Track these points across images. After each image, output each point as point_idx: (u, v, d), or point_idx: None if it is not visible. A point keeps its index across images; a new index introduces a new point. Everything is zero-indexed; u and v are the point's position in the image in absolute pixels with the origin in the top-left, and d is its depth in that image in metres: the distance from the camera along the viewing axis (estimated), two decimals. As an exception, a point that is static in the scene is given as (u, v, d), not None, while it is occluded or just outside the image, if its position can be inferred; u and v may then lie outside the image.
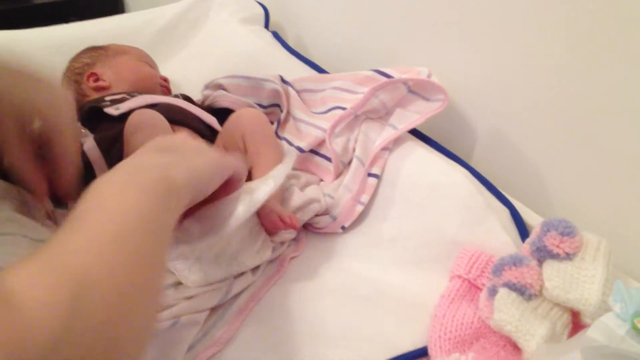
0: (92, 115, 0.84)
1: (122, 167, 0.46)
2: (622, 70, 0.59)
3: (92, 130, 0.81)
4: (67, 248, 0.37)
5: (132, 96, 0.87)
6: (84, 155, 0.75)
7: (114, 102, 0.85)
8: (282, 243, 0.75)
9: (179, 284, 0.67)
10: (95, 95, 0.94)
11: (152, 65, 1.04)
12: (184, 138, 0.56)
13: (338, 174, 0.82)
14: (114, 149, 0.76)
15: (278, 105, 0.91)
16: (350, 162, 0.81)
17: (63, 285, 0.33)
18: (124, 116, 0.78)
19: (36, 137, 0.58)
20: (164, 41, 1.23)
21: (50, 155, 0.60)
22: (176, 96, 0.93)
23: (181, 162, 0.49)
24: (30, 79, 0.58)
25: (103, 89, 0.95)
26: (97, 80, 0.96)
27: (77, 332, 0.32)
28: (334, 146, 0.80)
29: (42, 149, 0.59)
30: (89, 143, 0.76)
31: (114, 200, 0.42)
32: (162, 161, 0.48)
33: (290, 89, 0.90)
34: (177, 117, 0.82)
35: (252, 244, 0.70)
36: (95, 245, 0.37)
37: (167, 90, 1.03)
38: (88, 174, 0.73)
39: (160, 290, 0.46)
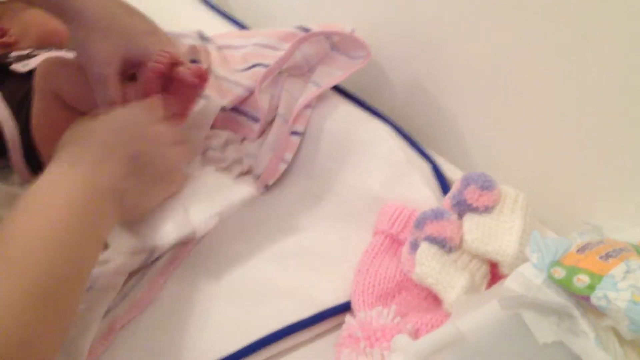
0: None
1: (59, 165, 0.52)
2: (540, 20, 0.59)
3: None
4: None
5: (40, 52, 0.82)
6: None
7: (20, 58, 0.80)
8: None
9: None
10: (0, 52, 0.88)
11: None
12: (160, 141, 0.59)
13: (262, 132, 0.81)
14: (23, 108, 0.71)
15: (197, 61, 0.88)
16: (272, 120, 0.79)
17: None
18: (32, 73, 0.73)
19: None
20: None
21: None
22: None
23: (135, 194, 0.55)
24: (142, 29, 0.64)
25: (9, 44, 0.89)
26: (2, 35, 0.90)
27: None
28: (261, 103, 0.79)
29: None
30: None
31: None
32: (121, 186, 0.53)
33: (210, 45, 0.87)
34: None
35: None
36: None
37: None
38: None
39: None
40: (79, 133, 0.56)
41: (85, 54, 0.59)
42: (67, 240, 0.47)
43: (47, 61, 0.67)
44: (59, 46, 0.90)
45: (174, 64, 0.62)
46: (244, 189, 0.68)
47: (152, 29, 0.66)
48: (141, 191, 0.55)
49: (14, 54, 0.82)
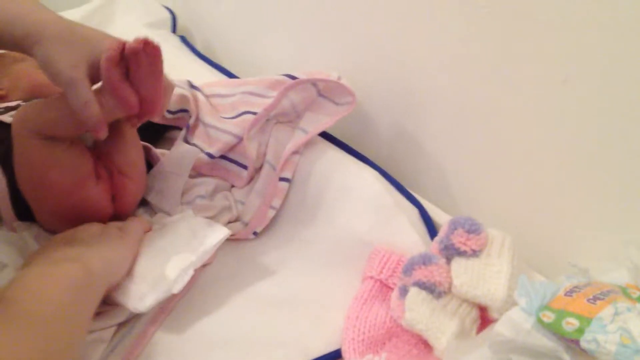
0: None
1: (37, 261, 0.55)
2: (522, 65, 0.61)
3: None
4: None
5: None
6: None
7: (9, 109, 0.80)
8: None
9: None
10: None
11: None
12: (86, 229, 0.62)
13: (250, 179, 0.81)
14: (9, 158, 0.71)
15: (186, 111, 0.88)
16: (261, 167, 0.80)
17: None
18: None
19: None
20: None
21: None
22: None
23: (94, 253, 0.56)
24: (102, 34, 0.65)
25: None
26: None
27: None
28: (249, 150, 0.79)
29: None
30: None
31: (35, 294, 0.48)
32: (76, 252, 0.55)
33: (199, 94, 0.88)
34: None
35: None
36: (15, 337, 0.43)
37: None
38: None
39: None
40: None
41: (52, 66, 0.59)
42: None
43: (22, 107, 0.68)
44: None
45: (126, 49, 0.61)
46: (218, 233, 0.67)
47: (113, 37, 0.66)
48: (93, 247, 0.59)
49: (2, 105, 0.82)
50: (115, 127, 0.69)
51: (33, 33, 0.60)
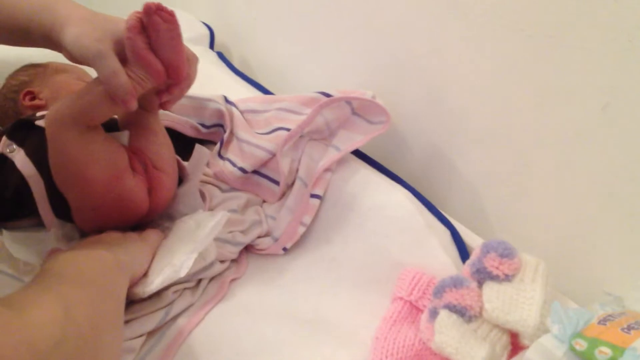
0: (21, 127, 0.80)
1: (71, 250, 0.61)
2: (561, 91, 0.60)
3: (20, 145, 0.77)
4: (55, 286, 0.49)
5: None
6: (17, 171, 0.71)
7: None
8: (223, 262, 0.73)
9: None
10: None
11: None
12: (109, 234, 0.66)
13: (282, 195, 0.81)
14: (46, 160, 0.73)
15: (221, 126, 0.90)
16: (293, 183, 0.80)
17: (56, 302, 0.45)
18: None
19: None
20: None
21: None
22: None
23: (120, 248, 0.62)
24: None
25: (39, 107, 0.91)
26: (33, 98, 0.92)
27: (70, 335, 0.43)
28: (282, 166, 0.80)
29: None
30: (20, 157, 0.73)
31: (76, 267, 0.55)
32: (105, 247, 0.61)
33: (234, 109, 0.89)
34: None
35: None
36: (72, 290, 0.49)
37: None
38: (24, 191, 0.69)
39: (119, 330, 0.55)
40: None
41: (80, 42, 0.63)
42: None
43: (53, 105, 0.69)
44: None
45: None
46: (217, 217, 0.68)
47: None
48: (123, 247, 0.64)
49: (40, 114, 0.84)
50: (146, 123, 0.72)
51: (60, 19, 0.65)
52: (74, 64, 1.03)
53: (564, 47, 0.58)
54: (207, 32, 1.22)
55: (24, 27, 0.68)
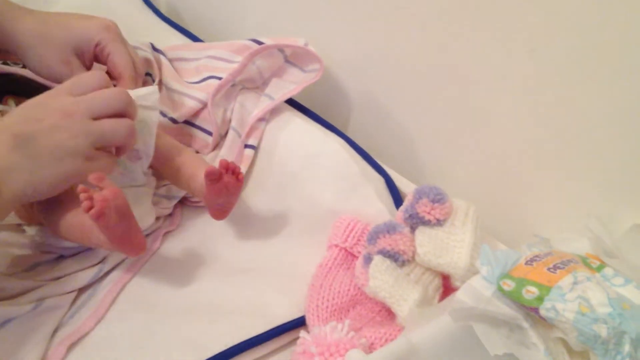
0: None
1: None
2: (489, 35, 0.60)
3: None
4: None
5: None
6: None
7: None
8: (157, 218, 0.71)
9: (45, 263, 0.63)
10: None
11: None
12: (54, 125, 0.56)
13: (215, 146, 0.80)
14: None
15: (150, 75, 0.86)
16: (226, 134, 0.79)
17: None
18: None
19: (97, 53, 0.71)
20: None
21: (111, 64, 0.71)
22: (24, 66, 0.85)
23: (23, 172, 0.53)
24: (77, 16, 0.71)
25: None
26: None
27: None
28: (214, 116, 0.78)
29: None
30: None
31: None
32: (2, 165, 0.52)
33: (162, 57, 0.86)
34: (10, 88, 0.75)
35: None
36: None
37: None
38: None
39: None
40: None
41: (45, 66, 0.67)
42: None
43: None
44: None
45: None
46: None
47: (85, 15, 0.72)
48: (30, 170, 0.54)
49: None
50: None
51: (10, 40, 0.67)
52: None
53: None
54: (131, -24, 1.16)
55: None
